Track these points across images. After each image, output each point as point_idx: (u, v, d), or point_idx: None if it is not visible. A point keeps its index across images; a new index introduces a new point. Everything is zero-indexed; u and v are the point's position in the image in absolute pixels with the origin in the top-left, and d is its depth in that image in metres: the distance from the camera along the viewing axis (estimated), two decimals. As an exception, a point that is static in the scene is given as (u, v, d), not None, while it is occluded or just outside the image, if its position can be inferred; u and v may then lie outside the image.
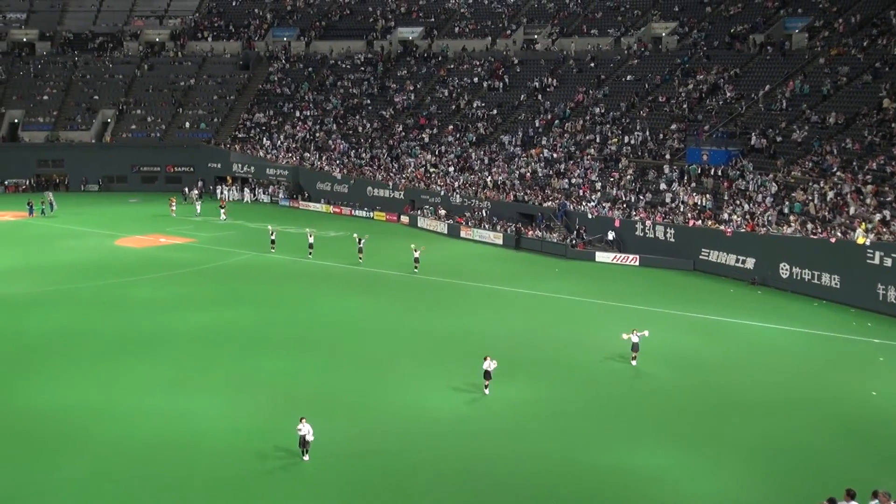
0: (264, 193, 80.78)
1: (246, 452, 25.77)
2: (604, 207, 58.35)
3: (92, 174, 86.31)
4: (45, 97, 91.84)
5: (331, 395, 30.48)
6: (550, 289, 47.51)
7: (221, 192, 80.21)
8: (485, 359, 30.82)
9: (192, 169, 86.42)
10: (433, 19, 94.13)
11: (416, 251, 51.29)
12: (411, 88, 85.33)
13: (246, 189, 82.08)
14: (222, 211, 70.55)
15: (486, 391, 30.71)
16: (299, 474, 24.70)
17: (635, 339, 34.15)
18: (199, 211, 71.95)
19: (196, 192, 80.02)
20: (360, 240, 53.99)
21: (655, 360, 34.45)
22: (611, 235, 55.96)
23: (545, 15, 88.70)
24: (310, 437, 25.18)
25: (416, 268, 50.85)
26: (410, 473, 24.88)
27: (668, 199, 56.69)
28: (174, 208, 71.50)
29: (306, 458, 25.25)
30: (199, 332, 38.25)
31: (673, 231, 53.33)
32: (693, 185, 57.14)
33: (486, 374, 30.68)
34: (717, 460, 25.99)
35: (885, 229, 43.50)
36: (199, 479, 24.26)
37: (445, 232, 64.49)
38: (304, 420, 25.40)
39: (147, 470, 24.70)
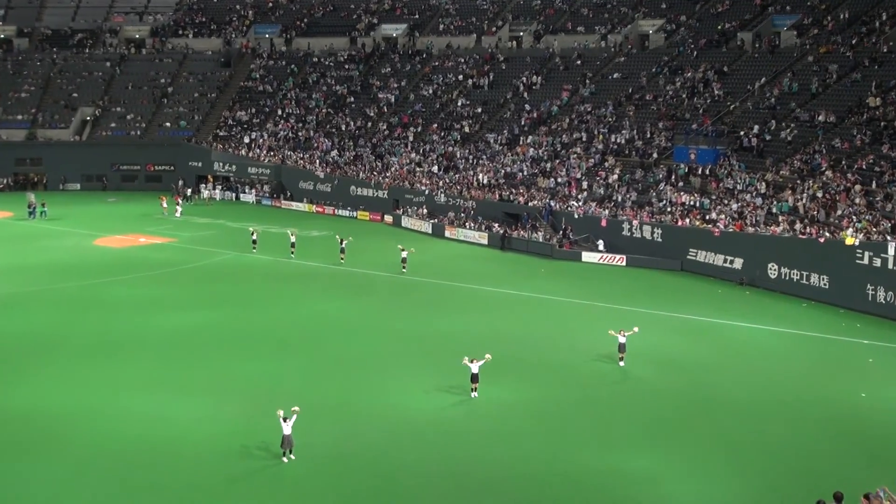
0: (231, 192, 79.90)
1: (228, 455, 25.39)
2: (590, 207, 57.83)
3: (71, 173, 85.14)
4: (24, 94, 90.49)
5: (314, 397, 29.82)
6: (536, 289, 46.99)
7: (177, 189, 78.63)
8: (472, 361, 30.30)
9: (172, 167, 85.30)
10: (417, 16, 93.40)
11: (403, 251, 50.72)
12: (395, 86, 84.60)
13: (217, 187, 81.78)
14: (178, 208, 70.01)
15: (474, 394, 30.19)
16: (282, 476, 24.32)
17: (622, 339, 33.72)
18: (180, 211, 70.72)
19: (186, 190, 78.70)
20: (342, 241, 53.22)
21: (642, 361, 34.07)
22: (601, 245, 55.15)
23: (531, 12, 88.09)
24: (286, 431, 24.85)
25: (403, 268, 50.24)
26: (395, 474, 24.57)
27: (655, 199, 56.19)
28: (166, 206, 70.50)
29: (292, 457, 24.90)
30: (179, 334, 37.58)
31: (660, 231, 52.84)
32: (680, 184, 56.72)
33: (474, 378, 30.16)
34: (705, 461, 25.70)
35: (874, 229, 43.15)
36: (180, 481, 23.86)
37: (430, 232, 63.83)
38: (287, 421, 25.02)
39: (127, 472, 24.27)
